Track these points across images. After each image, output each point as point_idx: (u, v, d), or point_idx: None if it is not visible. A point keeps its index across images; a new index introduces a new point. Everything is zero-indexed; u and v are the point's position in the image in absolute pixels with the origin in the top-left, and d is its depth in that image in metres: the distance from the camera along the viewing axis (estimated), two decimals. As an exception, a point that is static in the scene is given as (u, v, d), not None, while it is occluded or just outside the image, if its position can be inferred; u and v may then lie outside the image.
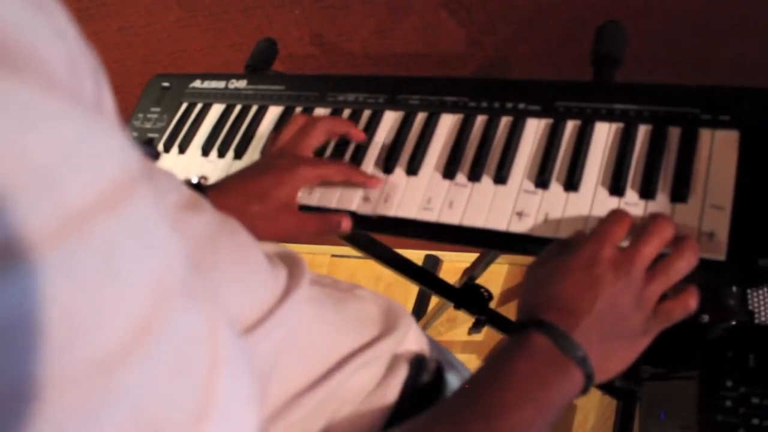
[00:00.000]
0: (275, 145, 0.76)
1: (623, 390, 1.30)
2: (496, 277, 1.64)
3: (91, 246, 0.19)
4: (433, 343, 0.69)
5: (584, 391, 0.51)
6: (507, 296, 1.66)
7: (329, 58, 1.16)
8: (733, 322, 0.89)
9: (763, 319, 0.93)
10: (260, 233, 0.56)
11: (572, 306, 0.51)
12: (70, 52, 0.22)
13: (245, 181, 0.69)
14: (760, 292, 0.95)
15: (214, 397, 0.24)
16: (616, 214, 0.57)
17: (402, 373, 0.55)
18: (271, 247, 0.56)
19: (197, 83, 0.95)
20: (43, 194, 0.18)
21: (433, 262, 1.76)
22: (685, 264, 0.54)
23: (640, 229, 0.55)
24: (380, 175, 0.74)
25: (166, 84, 0.98)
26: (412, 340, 0.60)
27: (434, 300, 1.69)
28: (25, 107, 0.18)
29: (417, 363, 0.57)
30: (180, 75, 0.98)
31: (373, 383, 0.54)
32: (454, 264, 1.74)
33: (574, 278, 0.52)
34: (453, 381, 0.62)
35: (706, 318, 0.90)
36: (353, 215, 0.73)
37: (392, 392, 0.54)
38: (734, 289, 0.94)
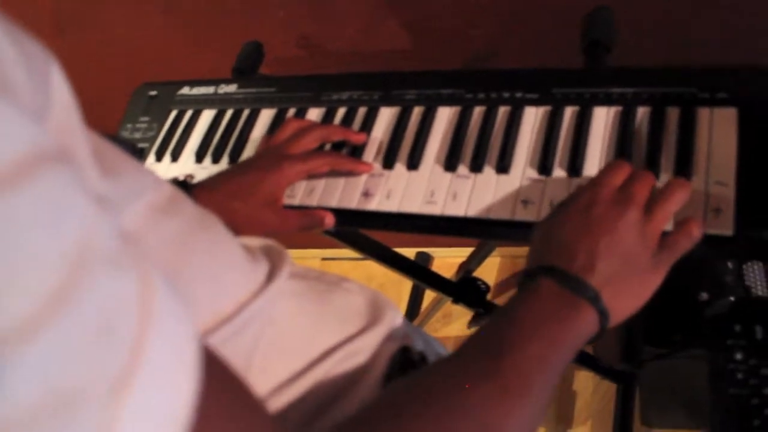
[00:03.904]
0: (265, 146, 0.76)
1: (622, 373, 1.32)
2: (490, 269, 1.64)
3: None
4: (420, 334, 0.69)
5: (602, 329, 0.51)
6: (502, 288, 1.67)
7: (316, 59, 1.15)
8: (732, 298, 0.91)
9: (759, 293, 0.95)
10: (242, 230, 0.57)
11: (576, 248, 0.52)
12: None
13: (229, 179, 0.70)
14: (755, 267, 0.97)
15: (141, 363, 0.24)
16: (613, 163, 0.58)
17: (385, 365, 0.55)
18: (257, 241, 0.56)
19: (186, 90, 0.95)
20: None
21: (425, 260, 1.76)
22: (679, 194, 0.56)
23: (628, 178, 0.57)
24: (380, 170, 0.74)
25: (153, 92, 0.97)
26: (398, 331, 0.60)
27: (428, 298, 1.69)
28: None
29: (401, 354, 0.58)
30: (167, 83, 0.97)
31: (357, 375, 0.54)
32: (445, 260, 1.74)
33: (575, 222, 0.54)
34: None
35: (705, 296, 0.92)
36: (353, 212, 0.73)
37: (375, 384, 0.54)
38: (730, 265, 0.96)
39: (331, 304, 0.56)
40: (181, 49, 1.22)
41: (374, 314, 0.57)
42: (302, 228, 0.71)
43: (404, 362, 0.55)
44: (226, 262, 0.47)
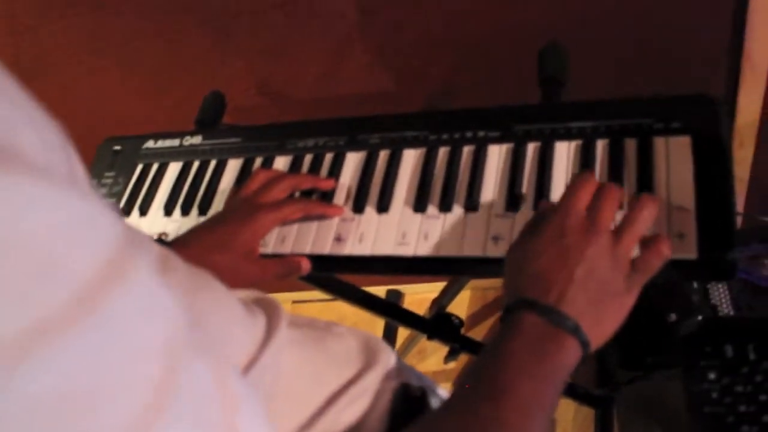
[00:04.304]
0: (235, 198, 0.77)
1: (599, 397, 1.33)
2: (461, 302, 1.65)
3: (103, 320, 0.20)
4: (413, 371, 0.70)
5: (584, 358, 0.52)
6: (474, 320, 1.68)
7: (277, 105, 1.16)
8: (700, 317, 0.93)
9: (725, 311, 0.97)
10: (223, 283, 0.57)
11: (552, 279, 0.52)
12: (40, 135, 0.23)
13: (204, 234, 0.70)
14: (719, 286, 1.00)
15: None
16: (578, 179, 0.58)
17: (388, 403, 0.56)
18: (245, 293, 0.57)
19: (150, 143, 0.95)
20: (47, 279, 0.19)
21: (396, 297, 1.76)
22: (646, 213, 0.56)
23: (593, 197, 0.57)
24: (350, 214, 0.75)
25: (117, 147, 0.97)
26: (394, 370, 0.60)
27: (401, 335, 1.69)
28: (16, 195, 0.19)
29: (402, 391, 0.58)
30: (131, 137, 0.97)
31: (364, 416, 0.54)
32: (416, 296, 1.74)
33: (548, 253, 0.54)
34: (437, 405, 0.63)
35: (673, 317, 0.94)
36: (327, 257, 0.73)
37: (381, 423, 0.54)
38: (695, 285, 0.98)
39: (327, 350, 0.57)
40: (141, 101, 1.22)
41: (369, 356, 0.58)
42: (280, 276, 0.71)
43: (406, 399, 0.56)
44: (230, 318, 0.47)
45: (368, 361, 0.58)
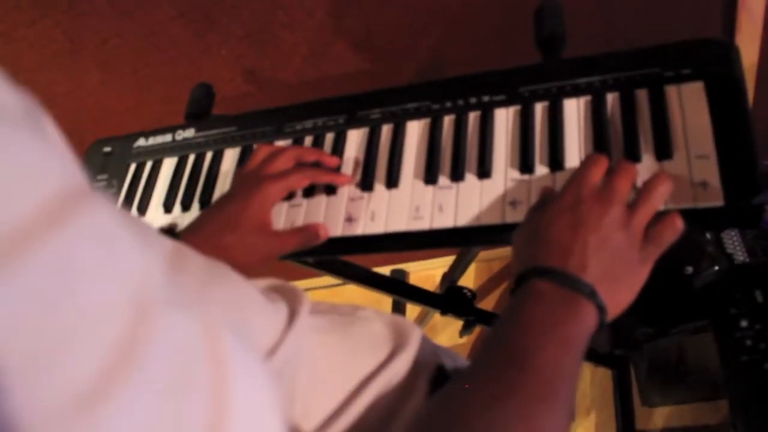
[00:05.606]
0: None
1: (615, 357, 1.32)
2: (467, 276, 1.64)
3: (41, 265, 0.18)
4: (446, 351, 0.68)
5: (601, 325, 0.51)
6: (481, 293, 1.66)
7: (266, 92, 1.13)
8: (716, 267, 0.92)
9: (741, 259, 0.97)
10: (240, 262, 0.56)
11: (567, 247, 0.52)
12: None
13: (213, 216, 0.68)
14: (732, 235, 0.99)
15: (228, 408, 0.22)
16: (590, 158, 0.58)
17: (425, 384, 0.55)
18: (266, 282, 0.55)
19: (141, 141, 0.92)
20: None
21: (401, 276, 1.74)
22: (662, 189, 0.56)
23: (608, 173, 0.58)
24: (359, 193, 0.73)
25: (107, 149, 0.94)
26: (426, 350, 0.59)
27: (411, 315, 1.68)
28: None
29: (437, 371, 0.57)
30: (121, 137, 0.94)
31: (402, 399, 0.53)
32: (421, 273, 1.73)
33: (563, 221, 0.54)
34: None
35: (690, 270, 0.93)
36: (339, 239, 0.71)
37: (419, 404, 0.53)
38: (709, 236, 0.97)
39: (355, 335, 0.55)
40: (125, 101, 1.19)
41: (399, 338, 0.57)
42: (298, 246, 0.69)
43: (444, 380, 0.55)
44: (249, 308, 0.45)
45: (398, 344, 0.57)
